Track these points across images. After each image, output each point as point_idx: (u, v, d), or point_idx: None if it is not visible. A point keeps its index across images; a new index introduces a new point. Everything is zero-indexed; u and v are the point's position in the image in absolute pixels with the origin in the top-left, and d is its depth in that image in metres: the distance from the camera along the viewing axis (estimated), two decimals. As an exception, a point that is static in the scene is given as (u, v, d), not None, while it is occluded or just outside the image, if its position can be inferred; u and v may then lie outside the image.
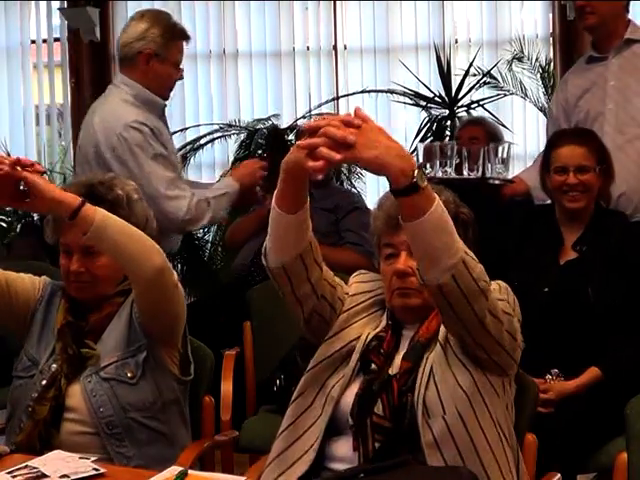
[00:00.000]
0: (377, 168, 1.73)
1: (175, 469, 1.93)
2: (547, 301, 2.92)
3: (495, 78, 5.26)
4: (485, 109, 5.24)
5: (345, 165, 5.07)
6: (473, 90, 5.27)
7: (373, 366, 2.04)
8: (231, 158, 5.69)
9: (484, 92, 5.34)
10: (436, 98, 5.32)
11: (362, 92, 5.64)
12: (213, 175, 5.83)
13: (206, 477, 1.96)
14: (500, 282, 2.05)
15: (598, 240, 2.99)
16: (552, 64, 5.34)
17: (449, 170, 3.29)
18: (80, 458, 2.03)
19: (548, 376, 2.86)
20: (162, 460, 2.27)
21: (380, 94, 5.60)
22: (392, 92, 5.48)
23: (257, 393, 3.33)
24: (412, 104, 5.44)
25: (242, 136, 5.64)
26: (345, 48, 5.89)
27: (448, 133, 5.19)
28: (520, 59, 5.24)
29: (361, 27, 5.81)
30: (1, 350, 3.38)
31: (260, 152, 5.30)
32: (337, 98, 5.80)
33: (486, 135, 4.30)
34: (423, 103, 5.37)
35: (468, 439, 1.94)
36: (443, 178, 3.29)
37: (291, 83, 5.94)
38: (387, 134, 1.75)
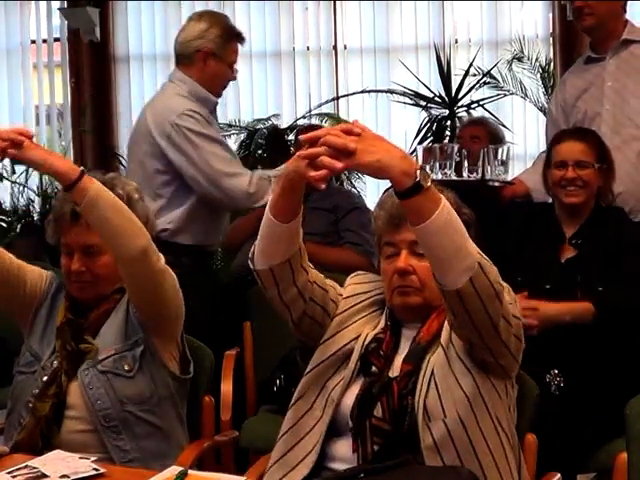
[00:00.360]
0: (379, 172, 1.73)
1: (175, 469, 1.93)
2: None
3: (495, 78, 5.26)
4: (485, 109, 5.24)
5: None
6: (473, 90, 5.27)
7: (374, 368, 2.04)
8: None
9: (484, 92, 5.34)
10: (436, 98, 5.33)
11: (362, 92, 5.65)
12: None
13: (206, 477, 1.96)
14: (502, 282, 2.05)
15: (595, 234, 3.00)
16: (552, 64, 5.35)
17: (449, 172, 3.29)
18: (80, 458, 2.04)
19: (548, 376, 2.86)
20: (159, 454, 2.31)
21: (380, 94, 5.61)
22: (392, 92, 5.49)
23: (257, 393, 3.34)
24: (412, 104, 5.44)
25: (242, 136, 5.65)
26: (345, 48, 5.90)
27: (448, 133, 5.20)
28: (520, 59, 5.24)
29: (361, 27, 5.81)
30: (1, 350, 3.39)
31: (260, 152, 5.31)
32: (337, 98, 5.81)
33: (488, 135, 4.32)
34: (423, 103, 5.38)
35: (468, 443, 1.93)
36: (443, 180, 3.29)
37: (291, 83, 5.95)
38: (386, 140, 1.76)
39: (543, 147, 3.86)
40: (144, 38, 6.19)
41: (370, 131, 1.76)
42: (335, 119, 5.71)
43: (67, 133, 6.33)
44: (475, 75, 5.28)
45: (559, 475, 2.22)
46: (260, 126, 5.64)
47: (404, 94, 5.42)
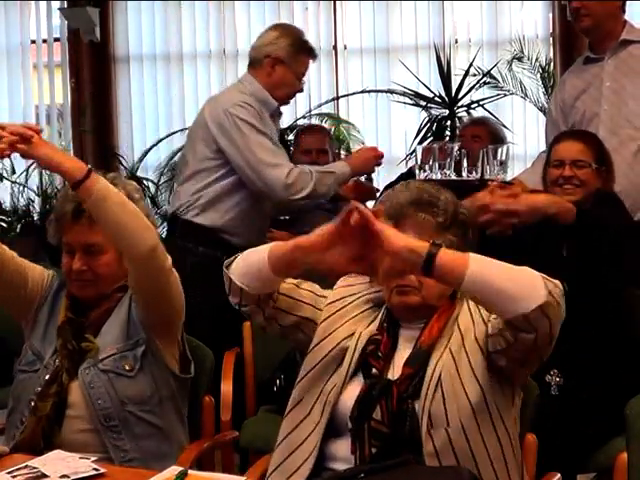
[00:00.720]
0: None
1: (175, 469, 1.93)
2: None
3: (495, 78, 5.25)
4: (485, 109, 5.23)
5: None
6: (473, 90, 5.27)
7: (374, 371, 2.03)
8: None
9: (484, 92, 5.34)
10: (436, 98, 5.32)
11: (362, 92, 5.65)
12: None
13: (206, 477, 1.96)
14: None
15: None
16: (552, 64, 5.34)
17: (448, 172, 3.29)
18: (80, 458, 2.04)
19: (548, 376, 2.86)
20: (159, 454, 2.31)
21: (380, 94, 5.61)
22: (392, 92, 5.48)
23: (257, 393, 3.33)
24: (412, 104, 5.44)
25: (242, 136, 5.63)
26: (345, 48, 5.89)
27: (448, 133, 5.19)
28: (520, 59, 5.24)
29: (361, 27, 5.81)
30: (1, 350, 3.39)
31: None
32: (337, 98, 5.81)
33: (489, 135, 4.33)
34: (423, 103, 5.37)
35: (469, 451, 1.93)
36: (442, 179, 3.29)
37: (291, 83, 5.94)
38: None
39: (543, 147, 3.86)
40: (144, 38, 6.18)
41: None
42: (335, 119, 5.72)
43: (67, 133, 6.33)
44: (475, 75, 5.27)
45: (559, 475, 2.22)
46: (260, 126, 5.63)
47: (404, 94, 5.41)
